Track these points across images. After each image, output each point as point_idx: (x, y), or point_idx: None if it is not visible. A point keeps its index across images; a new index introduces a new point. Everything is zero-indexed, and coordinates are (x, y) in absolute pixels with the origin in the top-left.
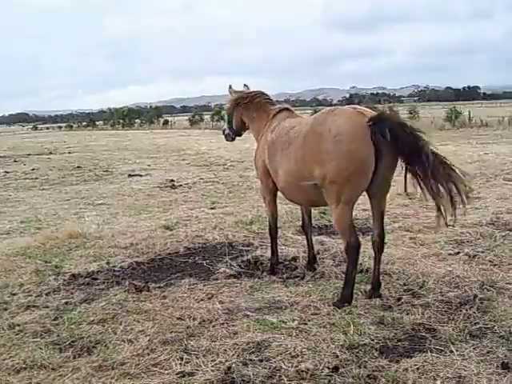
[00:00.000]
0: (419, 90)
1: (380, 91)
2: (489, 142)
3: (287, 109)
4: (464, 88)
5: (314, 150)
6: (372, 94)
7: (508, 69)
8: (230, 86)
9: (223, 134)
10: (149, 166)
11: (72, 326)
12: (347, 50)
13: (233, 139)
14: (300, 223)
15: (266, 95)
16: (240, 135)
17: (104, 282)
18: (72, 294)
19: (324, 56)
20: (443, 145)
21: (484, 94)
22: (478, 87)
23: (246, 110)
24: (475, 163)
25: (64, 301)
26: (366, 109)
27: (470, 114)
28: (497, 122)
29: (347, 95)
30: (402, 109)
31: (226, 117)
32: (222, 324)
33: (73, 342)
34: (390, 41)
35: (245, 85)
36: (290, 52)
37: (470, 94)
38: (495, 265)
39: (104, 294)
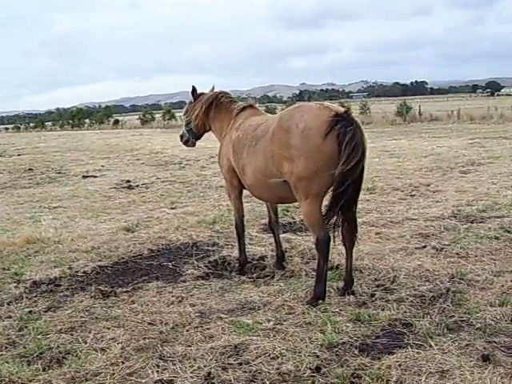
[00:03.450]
0: (368, 85)
1: (329, 87)
2: (440, 136)
3: (251, 106)
4: (411, 83)
5: (283, 146)
6: (322, 90)
7: (451, 64)
8: (194, 89)
9: (181, 140)
10: (103, 166)
11: (39, 337)
12: (295, 46)
13: (193, 144)
14: (264, 221)
15: (228, 94)
16: (200, 138)
17: (68, 289)
18: (35, 302)
19: (273, 53)
20: (396, 139)
21: (431, 88)
22: (426, 82)
23: (206, 111)
24: (430, 157)
25: (27, 310)
26: (332, 104)
27: (419, 109)
28: (446, 116)
29: (297, 92)
30: (353, 104)
31: (183, 121)
32: (196, 328)
33: (41, 353)
34: (336, 37)
35: (214, 87)
36: (239, 49)
37: (418, 88)
38: (462, 257)
39: (69, 301)
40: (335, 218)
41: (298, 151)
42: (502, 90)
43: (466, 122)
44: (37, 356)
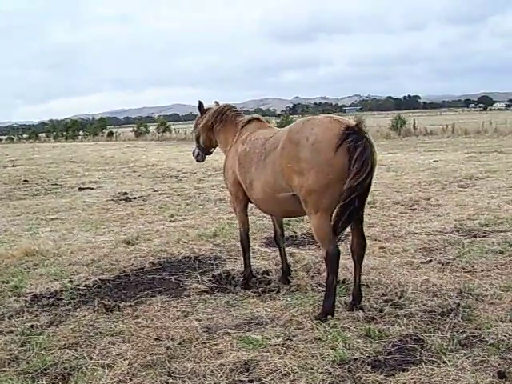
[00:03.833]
0: (361, 99)
1: (323, 101)
2: (436, 150)
3: (257, 119)
4: (405, 97)
5: (292, 160)
6: (315, 103)
7: (444, 78)
8: (200, 104)
9: (193, 155)
10: (99, 178)
11: (42, 352)
12: (288, 60)
13: (203, 158)
14: (266, 235)
15: (233, 107)
16: (210, 153)
17: (70, 303)
18: (37, 316)
19: (265, 66)
20: (392, 153)
21: (424, 103)
22: (418, 96)
23: (212, 125)
24: (427, 171)
25: (29, 324)
26: (341, 117)
27: (414, 123)
28: (441, 130)
29: (290, 105)
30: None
31: (194, 137)
32: (204, 343)
33: (45, 369)
34: (329, 51)
35: (216, 102)
36: (232, 63)
37: (411, 103)
38: (469, 272)
39: (72, 315)
40: (342, 231)
41: (309, 164)
42: (495, 105)
43: (460, 136)
44: (41, 372)
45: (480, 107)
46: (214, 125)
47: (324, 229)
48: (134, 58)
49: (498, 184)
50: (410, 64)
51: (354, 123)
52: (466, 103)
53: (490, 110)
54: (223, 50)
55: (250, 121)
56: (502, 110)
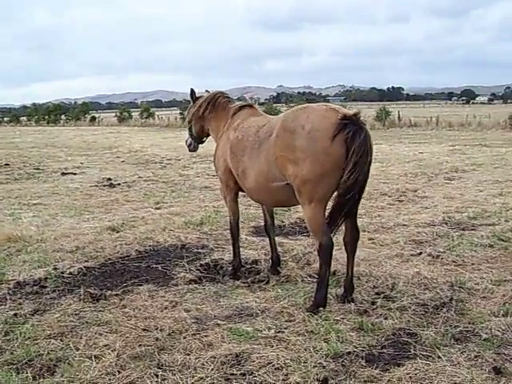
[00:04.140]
0: (345, 89)
1: (307, 90)
2: (421, 142)
3: (250, 106)
4: (388, 89)
5: (287, 148)
6: (299, 93)
7: (427, 71)
8: (192, 91)
9: (186, 144)
10: (82, 163)
11: (27, 342)
12: (272, 49)
13: (195, 148)
14: (253, 224)
15: (225, 94)
16: (202, 142)
17: (54, 291)
18: (20, 304)
19: (250, 54)
20: (377, 144)
21: (407, 94)
22: (402, 88)
23: (204, 113)
24: (413, 162)
25: (12, 312)
26: (336, 105)
27: (399, 114)
28: (425, 122)
29: (274, 94)
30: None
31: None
32: (194, 335)
33: (30, 360)
34: (313, 41)
35: (206, 90)
36: (216, 50)
37: (394, 94)
38: (459, 265)
39: (57, 304)
40: (338, 224)
41: (304, 153)
42: (477, 99)
43: (444, 129)
44: (26, 363)
45: (463, 100)
46: (206, 112)
47: (318, 219)
48: (118, 43)
49: (484, 177)
50: (394, 56)
51: (350, 112)
52: (448, 96)
53: (473, 103)
54: (207, 36)
55: (241, 108)
56: (484, 103)
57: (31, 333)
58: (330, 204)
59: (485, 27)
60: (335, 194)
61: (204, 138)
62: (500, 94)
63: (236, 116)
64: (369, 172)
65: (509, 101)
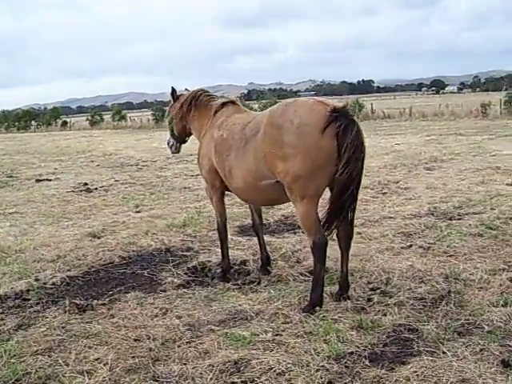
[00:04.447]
0: (315, 84)
1: (278, 86)
2: (396, 133)
3: (233, 102)
4: (358, 82)
5: (275, 145)
6: (270, 89)
7: (397, 62)
8: (173, 90)
9: (168, 146)
10: (56, 169)
11: (12, 360)
12: (241, 46)
13: (178, 149)
14: (238, 223)
15: (207, 91)
16: (185, 142)
17: (38, 303)
18: (3, 320)
19: (219, 53)
20: None
21: (378, 87)
22: (372, 81)
23: (186, 112)
24: (391, 154)
25: None
26: (324, 98)
27: (372, 107)
28: (398, 114)
29: (245, 91)
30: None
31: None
32: (189, 343)
33: (17, 380)
34: (283, 37)
35: (186, 89)
36: (185, 49)
37: (365, 87)
38: (451, 256)
39: (41, 317)
40: (337, 225)
41: (294, 149)
42: (447, 88)
43: (418, 120)
44: (13, 383)
45: (433, 91)
46: (188, 111)
47: (310, 217)
48: (85, 46)
49: (463, 166)
50: (364, 49)
51: (340, 105)
52: (418, 87)
53: (443, 93)
54: (175, 37)
55: (224, 104)
56: (454, 93)
57: (16, 350)
58: (329, 204)
59: (453, 17)
60: (335, 193)
61: (186, 138)
62: (468, 83)
63: (219, 113)
64: (363, 167)
65: (477, 89)
